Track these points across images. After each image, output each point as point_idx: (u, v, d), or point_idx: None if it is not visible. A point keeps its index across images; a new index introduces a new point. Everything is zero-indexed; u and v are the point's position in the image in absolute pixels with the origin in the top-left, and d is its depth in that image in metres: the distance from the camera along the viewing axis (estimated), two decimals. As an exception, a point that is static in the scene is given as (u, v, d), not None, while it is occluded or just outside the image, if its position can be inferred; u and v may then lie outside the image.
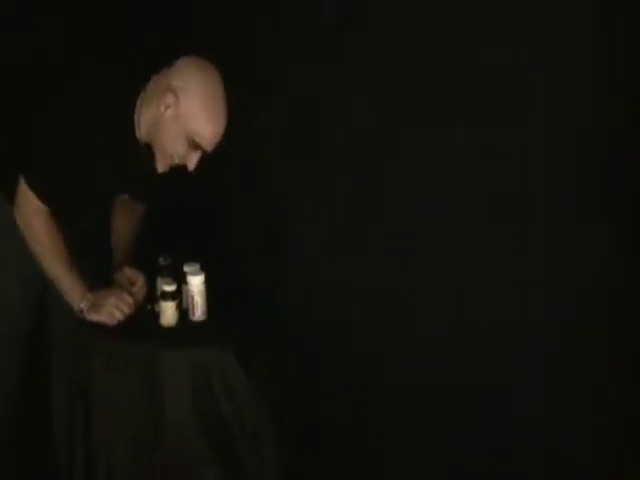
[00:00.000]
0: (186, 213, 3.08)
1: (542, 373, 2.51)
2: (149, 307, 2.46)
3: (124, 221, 2.55)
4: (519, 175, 2.49)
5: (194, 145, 2.20)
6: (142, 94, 2.23)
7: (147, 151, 2.26)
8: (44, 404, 2.63)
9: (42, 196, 2.24)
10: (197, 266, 2.44)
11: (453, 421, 2.70)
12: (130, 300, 2.38)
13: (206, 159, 2.29)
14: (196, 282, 2.39)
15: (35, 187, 2.24)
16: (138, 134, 2.24)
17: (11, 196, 2.31)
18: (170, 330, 2.37)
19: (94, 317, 2.32)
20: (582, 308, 2.42)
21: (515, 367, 2.54)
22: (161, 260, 2.47)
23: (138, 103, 2.23)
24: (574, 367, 2.45)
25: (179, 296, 2.41)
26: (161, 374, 2.25)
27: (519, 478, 2.60)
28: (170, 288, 2.36)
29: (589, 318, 2.40)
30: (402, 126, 2.69)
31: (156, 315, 2.41)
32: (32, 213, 2.26)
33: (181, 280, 2.43)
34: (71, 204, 2.30)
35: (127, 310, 2.35)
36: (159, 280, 2.46)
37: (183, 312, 2.42)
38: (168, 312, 2.36)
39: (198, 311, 2.39)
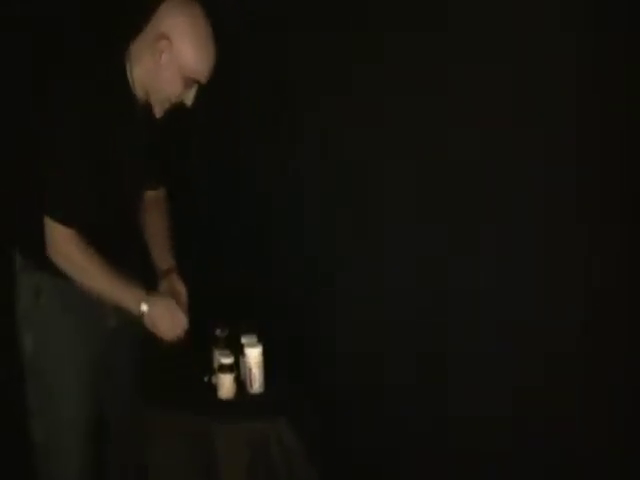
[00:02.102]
0: (242, 285, 3.06)
1: (542, 373, 2.51)
2: (206, 379, 2.43)
3: (155, 224, 2.54)
4: (519, 175, 2.49)
5: (191, 81, 2.26)
6: (129, 53, 2.27)
7: (144, 106, 2.30)
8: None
9: (69, 215, 2.25)
10: (254, 338, 2.42)
11: (454, 422, 2.70)
12: (182, 318, 2.36)
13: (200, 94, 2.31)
14: (254, 354, 2.38)
15: (59, 211, 2.24)
16: (134, 91, 2.28)
17: (39, 261, 2.33)
18: (228, 402, 2.36)
19: (151, 328, 2.31)
20: (585, 308, 2.42)
21: (515, 367, 2.54)
22: (218, 332, 2.45)
23: (127, 64, 2.27)
24: (575, 367, 2.45)
25: (237, 369, 2.40)
26: (219, 447, 2.25)
27: (519, 478, 2.60)
28: (228, 361, 2.35)
29: (592, 318, 2.41)
30: (401, 124, 2.69)
31: (213, 388, 2.39)
32: (65, 244, 2.25)
33: (238, 352, 2.42)
34: (96, 206, 2.28)
35: (183, 325, 2.33)
36: (216, 352, 2.43)
37: (240, 384, 2.40)
38: (226, 385, 2.35)
39: (256, 383, 2.37)
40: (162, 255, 2.50)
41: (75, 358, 2.36)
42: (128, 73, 2.29)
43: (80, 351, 2.37)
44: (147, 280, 2.36)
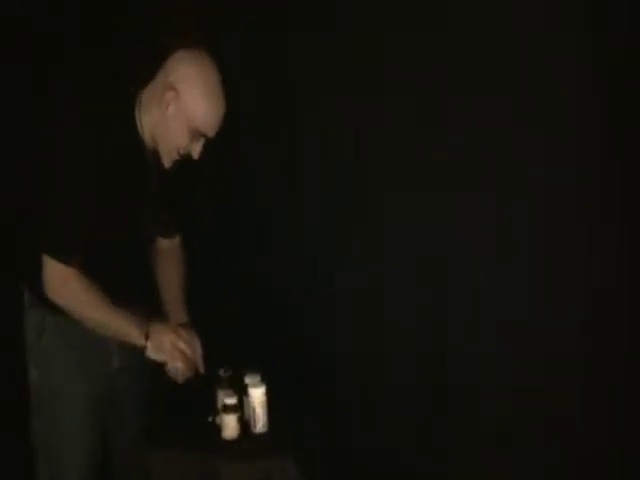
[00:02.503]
0: (244, 324, 3.06)
1: (542, 373, 2.51)
2: (210, 419, 2.44)
3: (168, 276, 2.52)
4: (519, 175, 2.49)
5: (198, 134, 2.24)
6: (139, 100, 2.26)
7: (153, 154, 2.28)
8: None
9: (69, 253, 2.23)
10: (258, 378, 2.43)
11: (455, 423, 2.70)
12: (193, 336, 2.35)
13: (209, 146, 2.31)
14: (257, 394, 2.37)
15: (59, 249, 2.23)
16: (143, 137, 2.27)
17: (42, 298, 2.32)
18: (232, 443, 2.35)
19: (155, 357, 2.32)
20: (585, 308, 2.42)
21: (515, 367, 2.54)
22: (221, 372, 2.46)
23: (137, 110, 2.25)
24: (575, 367, 2.45)
25: (240, 408, 2.40)
26: None
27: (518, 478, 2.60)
28: (231, 401, 2.35)
29: (592, 318, 2.41)
30: (401, 124, 2.69)
31: (217, 427, 2.40)
32: (64, 282, 2.23)
33: (242, 392, 2.42)
34: (95, 245, 2.27)
35: (186, 349, 2.33)
36: (219, 392, 2.44)
37: (244, 424, 2.42)
38: (230, 425, 2.35)
39: (260, 423, 2.38)
40: (175, 309, 2.49)
41: (77, 395, 2.36)
42: (137, 120, 2.27)
43: (82, 389, 2.37)
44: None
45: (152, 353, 2.29)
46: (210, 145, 2.30)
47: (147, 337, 2.27)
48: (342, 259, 2.89)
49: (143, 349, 2.27)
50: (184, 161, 2.31)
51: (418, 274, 2.72)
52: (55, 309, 2.28)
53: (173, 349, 2.30)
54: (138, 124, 2.28)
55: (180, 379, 2.36)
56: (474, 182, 2.57)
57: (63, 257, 2.24)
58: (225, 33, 2.97)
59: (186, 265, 2.57)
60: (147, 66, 2.30)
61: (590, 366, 2.42)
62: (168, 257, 2.54)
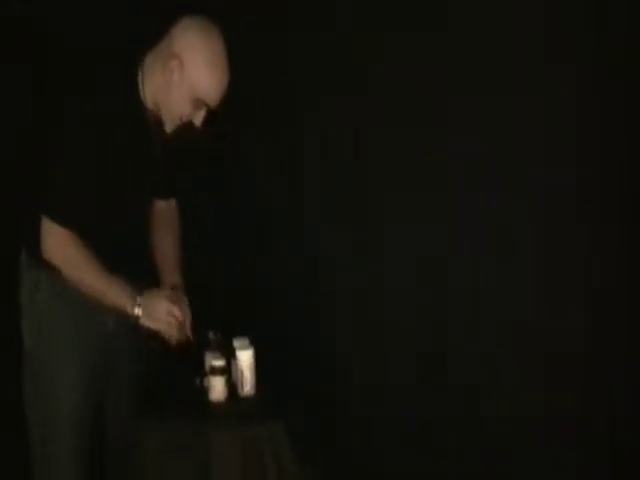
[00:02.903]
0: (234, 288, 3.06)
1: (542, 373, 2.51)
2: (198, 382, 2.45)
3: (164, 239, 2.54)
4: (519, 175, 2.49)
5: (200, 104, 2.25)
6: (143, 64, 2.28)
7: (155, 118, 2.30)
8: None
9: (68, 216, 2.26)
10: (246, 340, 2.44)
11: (455, 423, 2.70)
12: (184, 301, 2.36)
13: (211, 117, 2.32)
14: (245, 357, 2.38)
15: (58, 211, 2.26)
16: (146, 104, 2.28)
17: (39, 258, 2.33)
18: (219, 405, 2.36)
19: (150, 324, 2.32)
20: (585, 308, 2.42)
21: (516, 367, 2.54)
22: (210, 335, 2.46)
23: (140, 74, 2.27)
24: (575, 367, 2.45)
25: (228, 371, 2.41)
26: (210, 450, 2.24)
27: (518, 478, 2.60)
28: (219, 363, 2.35)
29: (592, 318, 2.41)
30: (401, 124, 2.69)
31: (205, 390, 2.41)
32: (61, 244, 2.26)
33: (230, 354, 2.44)
34: (95, 211, 2.29)
35: (180, 316, 2.34)
36: (208, 355, 2.45)
37: (232, 386, 2.42)
38: (217, 387, 2.35)
39: (247, 386, 2.38)
40: (169, 271, 2.49)
41: (71, 356, 2.36)
42: (140, 84, 2.29)
43: (76, 348, 2.36)
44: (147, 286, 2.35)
45: (145, 321, 2.30)
46: (213, 114, 2.29)
47: (139, 305, 2.28)
48: (342, 259, 2.89)
49: (136, 318, 2.29)
50: (186, 127, 2.31)
51: (418, 274, 2.72)
52: (51, 270, 2.29)
53: (166, 316, 2.31)
54: (140, 88, 2.29)
55: (173, 343, 2.35)
56: (474, 182, 2.57)
57: (62, 219, 2.26)
58: (225, 33, 2.97)
59: (180, 229, 2.57)
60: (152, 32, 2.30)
61: (590, 366, 2.42)
62: (164, 218, 2.55)
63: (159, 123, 2.31)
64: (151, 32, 2.29)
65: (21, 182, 2.57)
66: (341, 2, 2.76)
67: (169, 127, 2.32)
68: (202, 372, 2.44)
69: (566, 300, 2.44)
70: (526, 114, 2.44)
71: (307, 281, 2.96)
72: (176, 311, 2.32)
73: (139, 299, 2.29)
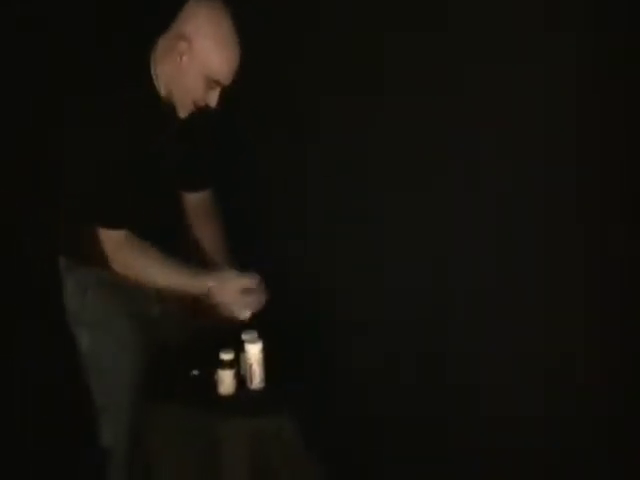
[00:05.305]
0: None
1: (542, 373, 2.51)
2: (194, 372, 2.45)
3: (207, 235, 2.55)
4: (519, 175, 2.49)
5: (213, 83, 2.25)
6: (155, 50, 2.27)
7: (168, 105, 2.29)
8: None
9: (116, 218, 2.29)
10: (255, 334, 2.43)
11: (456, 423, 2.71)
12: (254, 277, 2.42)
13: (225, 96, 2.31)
14: (254, 350, 2.37)
15: (106, 217, 2.29)
16: (159, 90, 2.28)
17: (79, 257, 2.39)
18: (228, 399, 2.36)
19: (222, 299, 2.37)
20: (585, 308, 2.42)
21: (516, 367, 2.54)
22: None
23: (152, 60, 2.27)
24: (574, 367, 2.46)
25: (237, 364, 2.40)
26: (218, 442, 2.25)
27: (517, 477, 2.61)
28: (228, 356, 2.35)
29: (592, 318, 2.41)
30: (401, 124, 2.69)
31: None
32: (119, 247, 2.30)
33: (239, 348, 2.43)
34: (136, 205, 2.30)
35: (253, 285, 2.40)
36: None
37: (241, 380, 2.42)
38: (226, 381, 2.35)
39: (256, 379, 2.38)
40: (222, 262, 2.52)
41: (128, 350, 2.42)
42: (152, 71, 2.28)
43: (131, 340, 2.42)
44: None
45: (217, 297, 2.36)
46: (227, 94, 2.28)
47: (212, 288, 2.35)
48: (342, 259, 2.89)
49: (207, 294, 2.35)
50: (202, 111, 2.31)
51: (418, 274, 2.72)
52: (95, 267, 2.35)
53: (237, 292, 2.38)
54: (153, 74, 2.28)
55: (244, 316, 2.42)
56: (474, 182, 2.57)
57: (113, 223, 2.30)
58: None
59: (220, 218, 2.60)
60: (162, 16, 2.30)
61: (590, 366, 2.42)
62: (199, 213, 2.57)
63: (173, 110, 2.30)
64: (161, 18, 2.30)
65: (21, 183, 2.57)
66: (341, 2, 2.76)
67: (183, 113, 2.31)
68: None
69: (566, 300, 2.44)
70: (526, 114, 2.44)
71: (307, 281, 2.96)
72: (247, 282, 2.38)
73: (210, 283, 2.35)
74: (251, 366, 2.39)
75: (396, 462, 2.83)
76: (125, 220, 2.30)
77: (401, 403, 2.80)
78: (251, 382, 2.39)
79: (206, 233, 2.55)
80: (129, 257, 2.31)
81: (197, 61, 2.23)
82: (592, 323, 2.41)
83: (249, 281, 2.40)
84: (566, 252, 2.44)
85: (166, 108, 2.30)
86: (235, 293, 2.38)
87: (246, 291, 2.40)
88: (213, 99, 2.29)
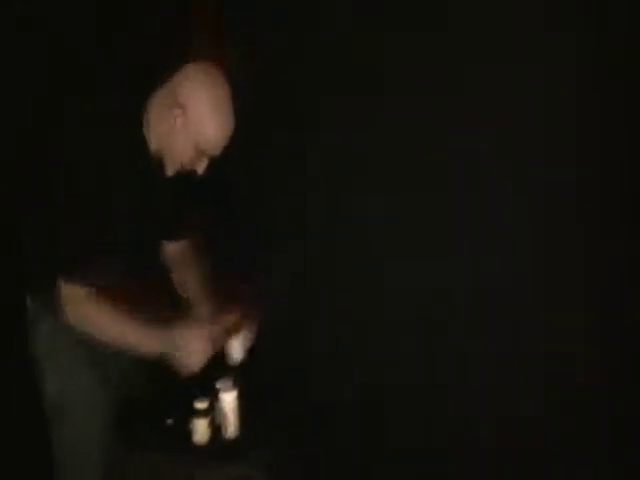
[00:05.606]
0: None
1: (542, 373, 2.52)
2: (169, 422, 2.41)
3: (182, 275, 2.50)
4: (519, 175, 2.49)
5: (203, 152, 2.22)
6: (148, 110, 2.25)
7: (158, 160, 2.27)
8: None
9: (84, 274, 2.20)
10: (230, 382, 2.42)
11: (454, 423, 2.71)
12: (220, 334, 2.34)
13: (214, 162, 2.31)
14: (229, 399, 2.34)
15: (69, 270, 2.21)
16: (149, 143, 2.26)
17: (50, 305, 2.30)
18: (203, 447, 2.31)
19: (189, 363, 2.27)
20: (585, 308, 2.42)
21: (516, 367, 2.54)
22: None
23: (145, 120, 2.25)
24: (574, 367, 2.46)
25: (211, 413, 2.35)
26: None
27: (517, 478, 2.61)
28: (202, 405, 2.30)
29: (592, 318, 2.41)
30: (401, 124, 2.69)
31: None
32: (80, 305, 2.22)
33: (212, 396, 2.40)
34: (107, 259, 2.26)
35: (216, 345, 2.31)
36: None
37: (216, 427, 2.39)
38: (200, 430, 2.30)
39: (231, 427, 2.36)
40: (197, 302, 2.45)
41: (96, 398, 2.36)
42: (144, 124, 2.25)
43: (101, 389, 2.36)
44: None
45: (184, 361, 2.27)
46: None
47: (175, 348, 2.25)
48: (342, 260, 2.89)
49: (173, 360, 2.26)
50: (188, 173, 2.29)
51: (418, 274, 2.72)
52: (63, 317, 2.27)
53: (205, 351, 2.28)
54: (145, 127, 2.26)
55: (195, 369, 2.31)
56: (474, 182, 2.57)
57: (74, 278, 2.21)
58: (225, 33, 2.97)
59: (202, 266, 2.51)
60: (161, 60, 2.28)
61: (590, 366, 2.42)
62: (179, 261, 2.51)
63: (161, 165, 2.28)
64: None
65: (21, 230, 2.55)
66: (341, 2, 2.76)
67: (170, 171, 2.28)
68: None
69: (566, 300, 2.45)
70: (526, 114, 2.44)
71: (307, 281, 2.96)
72: (210, 345, 2.28)
73: (173, 341, 2.25)
74: (226, 415, 2.36)
75: (396, 462, 2.83)
76: (88, 276, 2.21)
77: (401, 403, 2.80)
78: (226, 431, 2.36)
79: (182, 280, 2.51)
80: (89, 312, 2.23)
81: (189, 130, 2.19)
82: (592, 323, 2.41)
83: (209, 331, 2.29)
84: (566, 252, 2.44)
85: (155, 161, 2.27)
86: (202, 355, 2.28)
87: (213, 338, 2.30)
88: (201, 166, 2.26)
